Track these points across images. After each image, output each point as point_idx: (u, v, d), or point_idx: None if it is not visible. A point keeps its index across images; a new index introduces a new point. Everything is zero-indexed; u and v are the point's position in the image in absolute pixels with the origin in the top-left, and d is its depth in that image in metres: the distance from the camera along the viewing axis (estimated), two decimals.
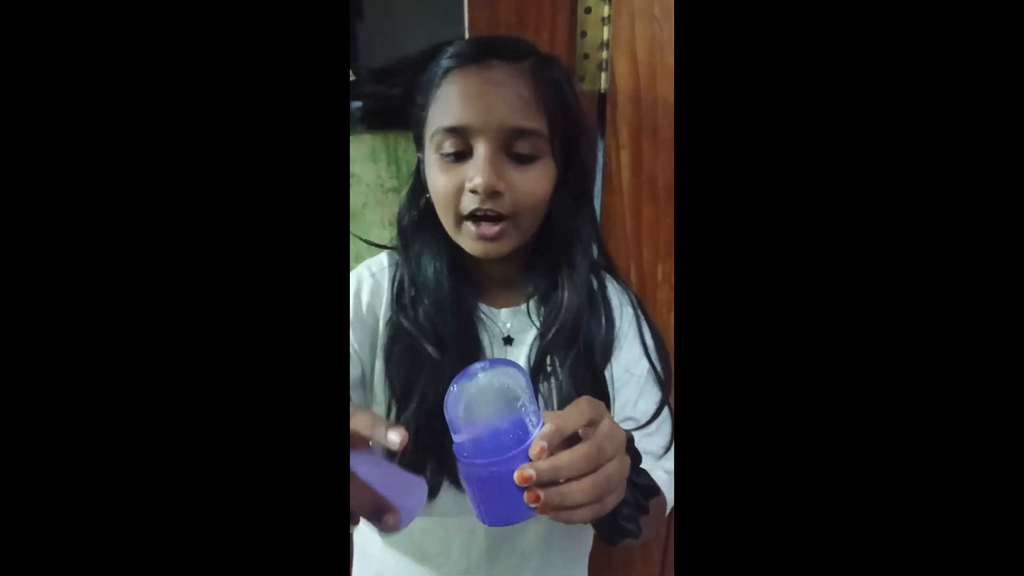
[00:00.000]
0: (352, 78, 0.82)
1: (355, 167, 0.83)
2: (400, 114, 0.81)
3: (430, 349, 0.53)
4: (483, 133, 0.49)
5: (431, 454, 0.53)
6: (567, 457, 0.35)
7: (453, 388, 0.37)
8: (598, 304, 0.57)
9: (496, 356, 0.56)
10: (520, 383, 0.37)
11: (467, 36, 0.68)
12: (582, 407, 0.37)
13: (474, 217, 0.50)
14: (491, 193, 0.49)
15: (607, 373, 0.56)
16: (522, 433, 0.35)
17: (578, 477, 0.35)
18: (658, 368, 0.58)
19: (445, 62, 0.51)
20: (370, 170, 0.84)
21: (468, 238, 0.52)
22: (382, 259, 0.60)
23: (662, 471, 0.55)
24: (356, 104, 0.84)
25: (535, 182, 0.51)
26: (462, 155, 0.50)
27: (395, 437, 0.36)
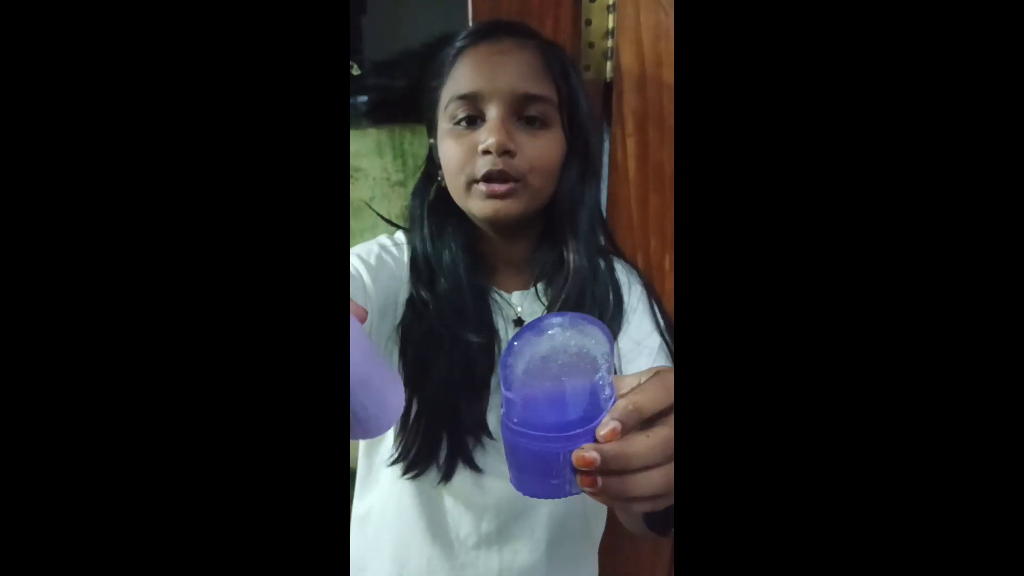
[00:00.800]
0: (357, 72, 0.82)
1: (361, 161, 0.84)
2: (405, 107, 0.81)
3: (450, 325, 0.53)
4: (494, 97, 0.50)
5: (445, 432, 0.53)
6: (642, 445, 0.28)
7: (515, 343, 0.30)
8: (605, 281, 0.57)
9: (508, 338, 0.56)
10: (604, 349, 0.29)
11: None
12: (668, 382, 0.30)
13: (487, 179, 0.51)
14: (503, 152, 0.49)
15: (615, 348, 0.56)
16: (592, 410, 0.28)
17: (649, 467, 0.28)
18: (670, 344, 0.57)
19: (458, 43, 0.53)
20: (376, 164, 0.84)
21: (477, 199, 0.52)
22: (401, 236, 0.61)
23: None
24: (361, 98, 0.84)
25: (545, 147, 0.52)
26: (473, 120, 0.52)
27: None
